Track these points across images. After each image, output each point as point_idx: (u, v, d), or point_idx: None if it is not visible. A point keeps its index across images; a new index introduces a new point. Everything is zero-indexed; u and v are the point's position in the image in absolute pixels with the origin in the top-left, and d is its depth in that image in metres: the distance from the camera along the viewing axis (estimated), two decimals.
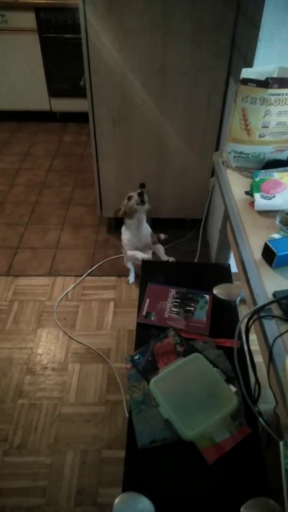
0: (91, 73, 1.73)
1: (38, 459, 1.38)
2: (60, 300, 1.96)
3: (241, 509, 0.79)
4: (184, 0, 1.56)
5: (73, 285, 2.04)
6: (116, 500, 0.82)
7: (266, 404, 0.96)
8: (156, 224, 2.27)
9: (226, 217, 1.22)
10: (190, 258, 2.16)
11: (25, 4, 2.88)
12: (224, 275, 1.41)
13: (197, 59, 1.71)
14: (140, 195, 1.61)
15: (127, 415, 1.49)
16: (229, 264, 1.46)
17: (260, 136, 1.19)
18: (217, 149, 2.01)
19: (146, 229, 1.82)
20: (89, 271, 2.10)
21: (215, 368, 1.02)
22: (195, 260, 2.13)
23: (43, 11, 2.92)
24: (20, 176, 2.87)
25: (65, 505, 1.27)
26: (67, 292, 2.00)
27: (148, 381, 1.02)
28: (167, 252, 2.18)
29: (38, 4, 2.89)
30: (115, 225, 2.41)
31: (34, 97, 3.34)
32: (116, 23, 1.61)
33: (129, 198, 1.70)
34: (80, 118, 3.45)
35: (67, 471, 1.35)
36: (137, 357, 1.11)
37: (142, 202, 1.63)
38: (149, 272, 1.45)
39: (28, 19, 2.95)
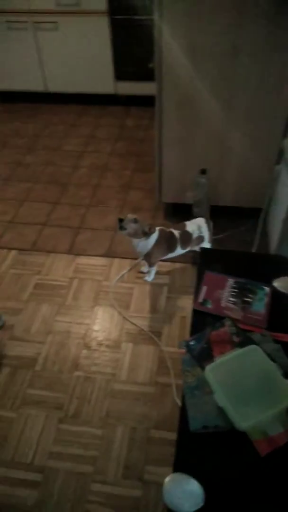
0: (162, 55, 1.71)
1: (90, 430, 1.46)
2: (116, 281, 2.02)
3: None
4: None
5: (129, 268, 2.08)
6: (167, 479, 0.85)
7: None
8: (214, 211, 2.24)
9: None
10: (247, 248, 2.11)
11: None
12: (286, 267, 1.36)
13: (273, 39, 1.62)
14: (119, 221, 1.68)
15: (176, 399, 1.52)
16: None
17: None
18: (285, 134, 1.91)
19: (141, 248, 1.83)
20: (142, 258, 2.13)
21: (272, 362, 0.99)
22: (253, 251, 2.07)
23: None
24: (83, 159, 2.95)
25: (113, 476, 1.34)
26: (123, 274, 2.05)
27: (202, 368, 1.02)
28: (224, 240, 2.15)
29: None
30: (173, 210, 2.41)
31: (99, 80, 3.39)
32: (191, 3, 1.57)
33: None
34: (143, 102, 3.45)
35: (117, 445, 1.41)
36: (192, 343, 1.11)
37: (120, 228, 1.69)
38: (207, 259, 1.43)
39: (100, 1, 2.97)
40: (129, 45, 3.14)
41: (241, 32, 1.62)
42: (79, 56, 3.28)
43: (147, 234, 1.76)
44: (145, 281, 2.01)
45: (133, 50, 3.14)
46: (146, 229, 1.74)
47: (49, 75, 3.44)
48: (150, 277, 2.01)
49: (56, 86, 3.50)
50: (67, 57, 3.30)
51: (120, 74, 3.33)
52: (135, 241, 1.80)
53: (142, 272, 2.06)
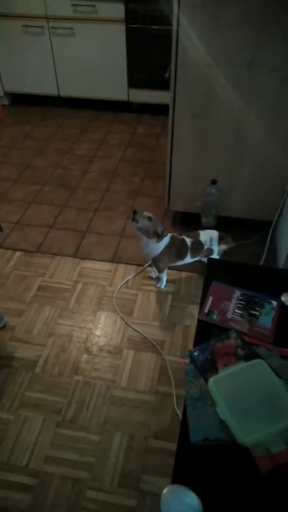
0: (177, 65, 1.73)
1: (87, 436, 1.44)
2: (121, 286, 2.01)
3: None
4: None
5: (134, 274, 2.08)
6: (165, 490, 0.83)
7: None
8: (223, 222, 2.24)
9: None
10: (254, 261, 2.10)
11: None
12: None
13: None
14: (133, 213, 1.67)
15: (176, 409, 1.50)
16: None
17: None
18: None
19: (149, 249, 1.81)
20: (150, 262, 2.12)
21: (278, 378, 0.98)
22: (260, 264, 2.06)
23: (133, 2, 2.95)
24: (93, 164, 2.97)
25: (109, 484, 1.32)
26: (128, 280, 2.05)
27: (206, 379, 1.01)
28: (232, 252, 2.14)
29: None
30: (181, 219, 2.41)
31: (113, 86, 3.42)
32: (210, 16, 1.59)
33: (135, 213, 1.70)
34: (156, 110, 3.48)
35: (114, 453, 1.39)
36: (197, 354, 1.10)
37: (132, 219, 1.68)
38: (214, 270, 1.43)
39: (117, 10, 3.00)
40: (144, 53, 3.17)
41: (259, 46, 1.63)
42: (93, 62, 3.31)
43: (159, 236, 1.74)
44: (158, 288, 2.00)
45: (148, 58, 3.17)
46: (159, 231, 1.72)
47: (63, 79, 3.47)
48: (162, 284, 2.00)
49: (69, 91, 3.53)
50: (82, 63, 3.33)
51: (134, 81, 3.36)
52: (145, 240, 1.77)
53: (150, 277, 2.06)
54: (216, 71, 1.73)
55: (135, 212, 1.67)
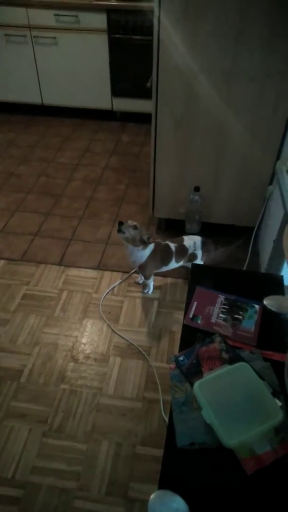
0: (158, 74, 1.76)
1: (74, 445, 1.43)
2: (106, 294, 2.01)
3: None
4: (263, 2, 1.54)
5: (120, 281, 2.08)
6: (152, 496, 0.83)
7: None
8: (206, 228, 2.27)
9: (283, 226, 1.19)
10: (237, 266, 2.13)
11: (99, 6, 2.98)
12: (276, 286, 1.37)
13: (268, 65, 1.68)
14: (119, 224, 1.69)
15: (163, 415, 1.50)
16: (282, 276, 1.42)
17: None
18: (278, 157, 1.96)
19: (135, 257, 1.83)
20: (135, 269, 2.13)
21: (261, 380, 1.00)
22: (243, 268, 2.09)
23: (115, 13, 3.00)
24: (78, 172, 2.97)
25: (96, 493, 1.31)
26: (114, 287, 2.05)
27: (191, 384, 1.02)
28: (218, 258, 2.16)
29: (111, 6, 2.97)
30: (165, 225, 2.43)
31: (97, 95, 3.45)
32: (189, 26, 1.63)
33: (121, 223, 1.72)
34: (139, 118, 3.52)
35: (101, 461, 1.38)
36: (182, 358, 1.11)
37: (118, 231, 1.70)
38: (198, 275, 1.44)
39: (100, 20, 3.04)
40: (127, 63, 3.21)
41: (238, 55, 1.68)
42: (76, 72, 3.34)
43: (145, 244, 1.76)
44: (146, 294, 2.02)
45: (130, 68, 3.21)
46: (145, 238, 1.74)
47: (46, 88, 3.48)
48: (150, 290, 2.02)
49: (53, 99, 3.54)
50: (65, 72, 3.35)
51: (117, 90, 3.39)
52: (131, 248, 1.78)
53: (137, 283, 2.06)
54: (197, 80, 1.77)
55: (121, 223, 1.68)
